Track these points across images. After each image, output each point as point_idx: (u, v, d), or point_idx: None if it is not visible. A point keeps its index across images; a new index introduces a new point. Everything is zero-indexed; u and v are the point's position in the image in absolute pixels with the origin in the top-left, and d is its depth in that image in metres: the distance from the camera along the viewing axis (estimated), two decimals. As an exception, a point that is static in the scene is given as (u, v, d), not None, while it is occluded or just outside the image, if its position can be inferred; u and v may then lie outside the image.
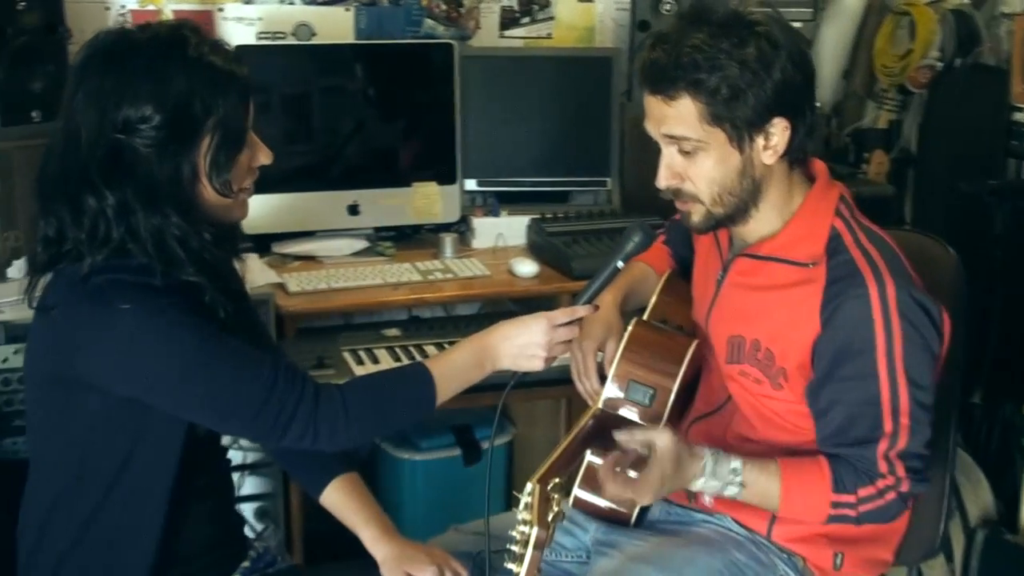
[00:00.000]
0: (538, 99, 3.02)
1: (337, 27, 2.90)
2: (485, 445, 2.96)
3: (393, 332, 2.55)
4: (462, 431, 2.97)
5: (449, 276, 2.67)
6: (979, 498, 2.62)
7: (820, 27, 3.28)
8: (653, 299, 1.90)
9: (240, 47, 2.57)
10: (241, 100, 1.55)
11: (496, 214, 2.94)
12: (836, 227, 1.67)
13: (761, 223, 1.71)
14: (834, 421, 1.65)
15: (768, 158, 1.63)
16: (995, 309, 2.81)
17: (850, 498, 1.62)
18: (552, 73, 3.02)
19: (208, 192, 1.56)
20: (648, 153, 2.98)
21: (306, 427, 1.55)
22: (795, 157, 1.67)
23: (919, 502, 1.81)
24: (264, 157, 1.63)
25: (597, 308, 1.77)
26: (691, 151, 1.63)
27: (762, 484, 1.63)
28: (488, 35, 3.09)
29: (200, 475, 1.66)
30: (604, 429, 1.69)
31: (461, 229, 2.96)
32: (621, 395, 1.75)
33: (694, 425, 1.88)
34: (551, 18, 3.13)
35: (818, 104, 3.20)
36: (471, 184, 3.00)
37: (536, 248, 2.86)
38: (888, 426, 1.61)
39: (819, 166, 1.74)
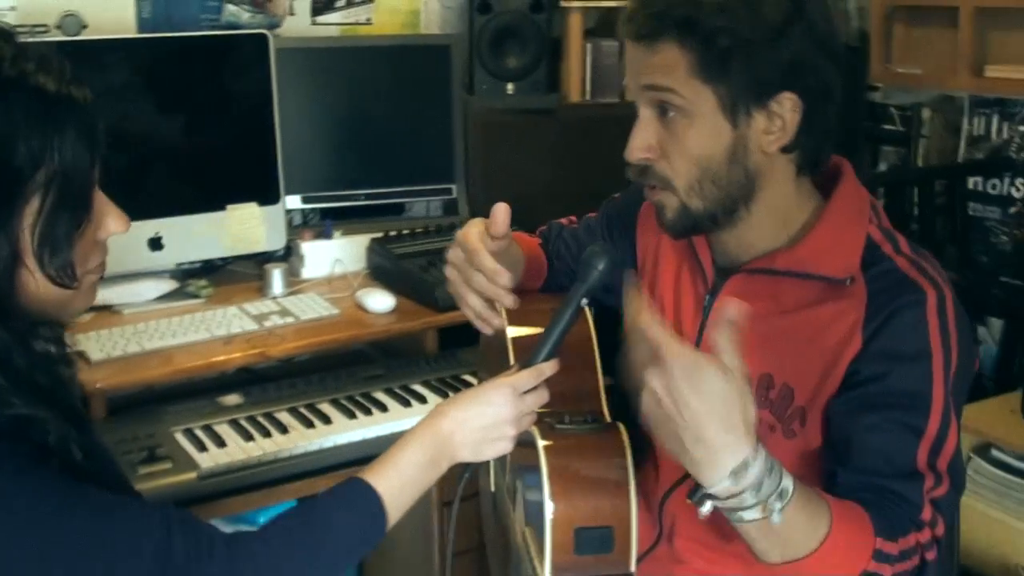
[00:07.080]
0: (367, 97, 2.56)
1: (114, 18, 2.36)
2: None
3: (233, 399, 2.02)
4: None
5: (290, 320, 2.17)
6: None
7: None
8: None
9: None
10: (85, 141, 1.07)
11: (329, 235, 2.47)
12: (872, 235, 1.34)
13: (755, 235, 1.34)
14: (871, 447, 1.26)
15: (769, 144, 1.27)
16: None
17: (892, 548, 1.22)
18: (381, 65, 2.56)
19: (36, 281, 1.07)
20: (499, 152, 2.62)
21: None
22: (806, 160, 1.32)
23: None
24: (116, 224, 1.16)
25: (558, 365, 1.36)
26: (673, 114, 1.26)
27: (805, 519, 1.17)
28: (299, 22, 2.59)
29: None
30: None
31: (282, 256, 2.47)
32: (571, 554, 1.27)
33: (671, 496, 1.50)
34: (370, 0, 2.67)
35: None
36: (293, 201, 2.51)
37: (383, 275, 2.41)
38: (923, 457, 1.25)
39: (844, 165, 1.39)
